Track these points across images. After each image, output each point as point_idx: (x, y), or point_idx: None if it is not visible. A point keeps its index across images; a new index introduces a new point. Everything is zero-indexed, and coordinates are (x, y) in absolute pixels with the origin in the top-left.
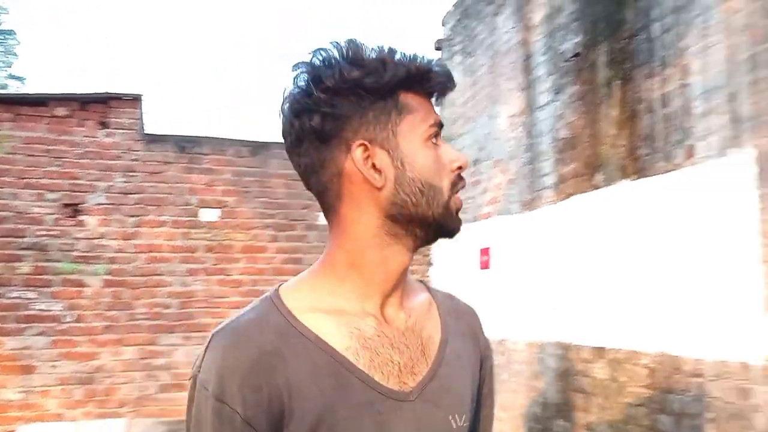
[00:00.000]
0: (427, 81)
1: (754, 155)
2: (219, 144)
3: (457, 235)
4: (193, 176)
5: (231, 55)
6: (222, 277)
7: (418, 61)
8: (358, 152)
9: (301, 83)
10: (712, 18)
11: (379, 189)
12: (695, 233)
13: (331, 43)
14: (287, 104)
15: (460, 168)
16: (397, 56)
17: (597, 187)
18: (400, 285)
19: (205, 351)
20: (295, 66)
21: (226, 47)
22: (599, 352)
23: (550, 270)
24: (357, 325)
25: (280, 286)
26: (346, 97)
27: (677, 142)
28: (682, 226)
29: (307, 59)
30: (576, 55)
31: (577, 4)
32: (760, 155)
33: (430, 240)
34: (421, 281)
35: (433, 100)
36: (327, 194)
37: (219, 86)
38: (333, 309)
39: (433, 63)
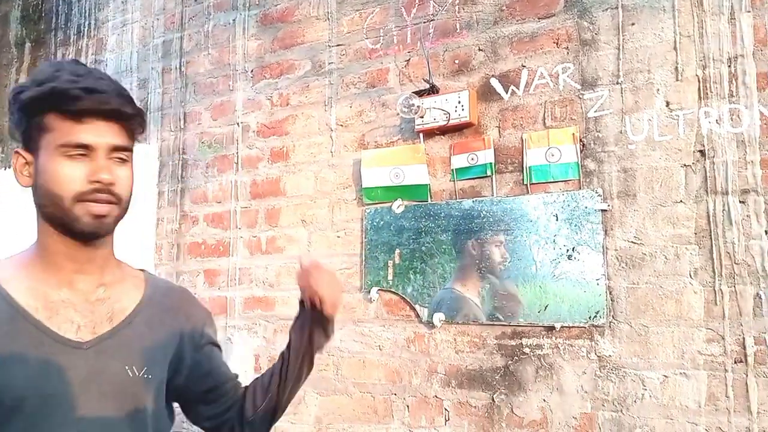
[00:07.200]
0: (67, 103)
1: (157, 149)
2: None
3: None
4: None
5: None
6: None
7: (62, 84)
8: (13, 158)
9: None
10: None
11: (31, 189)
12: None
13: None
14: None
15: (97, 182)
16: (61, 78)
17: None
18: (91, 265)
19: None
20: None
21: None
22: None
23: None
24: (44, 291)
25: None
26: (14, 112)
27: None
28: None
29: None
30: None
31: None
32: (161, 149)
33: (77, 236)
34: (142, 270)
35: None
36: None
37: None
38: (31, 278)
39: (80, 86)
